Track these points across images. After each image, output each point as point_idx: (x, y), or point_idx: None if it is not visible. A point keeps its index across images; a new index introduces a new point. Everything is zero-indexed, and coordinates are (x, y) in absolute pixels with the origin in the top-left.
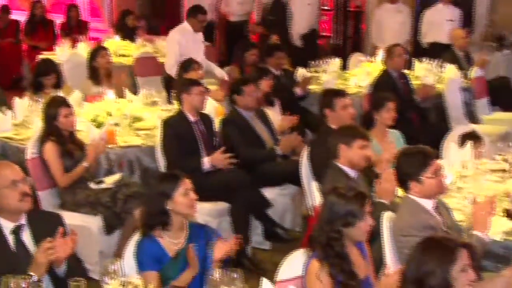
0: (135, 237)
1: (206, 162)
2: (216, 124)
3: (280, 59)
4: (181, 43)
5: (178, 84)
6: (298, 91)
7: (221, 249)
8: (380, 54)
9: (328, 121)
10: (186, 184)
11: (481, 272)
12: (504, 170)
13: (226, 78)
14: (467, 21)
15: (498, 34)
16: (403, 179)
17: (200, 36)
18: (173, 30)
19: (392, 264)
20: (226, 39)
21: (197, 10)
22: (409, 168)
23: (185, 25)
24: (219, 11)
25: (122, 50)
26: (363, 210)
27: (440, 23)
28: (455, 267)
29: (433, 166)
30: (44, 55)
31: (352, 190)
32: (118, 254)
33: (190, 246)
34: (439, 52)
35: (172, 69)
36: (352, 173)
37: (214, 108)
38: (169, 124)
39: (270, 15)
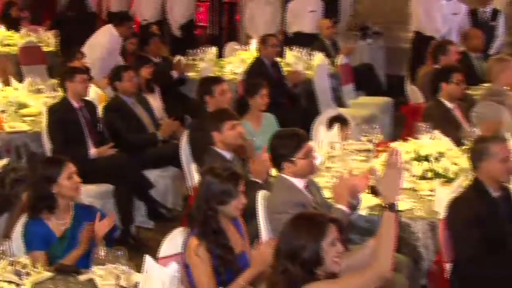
0: (23, 219)
1: (93, 153)
2: (100, 111)
3: (157, 46)
4: (107, 47)
5: (61, 72)
6: (174, 74)
7: (101, 226)
8: (254, 43)
9: (208, 107)
10: (70, 168)
11: (349, 245)
12: (368, 150)
13: None
14: (334, 12)
15: (362, 24)
16: (277, 160)
17: (121, 40)
18: (100, 33)
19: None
20: None
21: (125, 18)
22: (283, 149)
23: (112, 30)
24: (100, 3)
25: (7, 40)
26: (237, 189)
27: (303, 14)
28: (325, 241)
29: (305, 148)
30: None
31: (227, 170)
32: (6, 235)
33: (87, 225)
34: (303, 41)
35: (96, 76)
36: (228, 155)
37: (97, 95)
38: (54, 111)
39: (68, 11)
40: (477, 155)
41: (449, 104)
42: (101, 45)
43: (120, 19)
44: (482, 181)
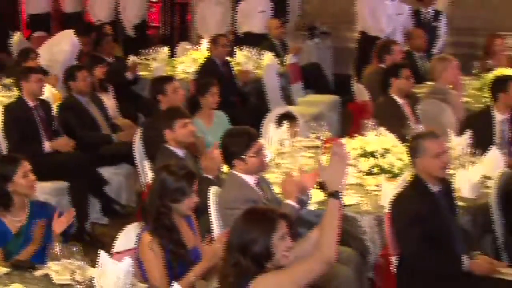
0: None
1: (47, 146)
2: (54, 109)
3: (110, 46)
4: (70, 51)
5: (17, 71)
6: (128, 75)
7: (59, 223)
8: (205, 43)
9: (161, 105)
10: (25, 166)
11: (298, 239)
12: (317, 147)
13: None
14: (282, 12)
15: (310, 24)
16: (229, 158)
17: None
18: (61, 40)
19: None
20: (62, 29)
21: (92, 29)
22: (234, 147)
23: (73, 36)
24: (56, 2)
25: None
26: (191, 188)
27: (253, 14)
28: (275, 236)
29: (256, 146)
30: None
31: (182, 169)
32: None
33: (39, 222)
34: (252, 41)
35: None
36: (180, 152)
37: (51, 94)
38: (9, 110)
39: None
40: (412, 152)
41: (399, 100)
42: (65, 51)
43: (86, 30)
44: (421, 177)
